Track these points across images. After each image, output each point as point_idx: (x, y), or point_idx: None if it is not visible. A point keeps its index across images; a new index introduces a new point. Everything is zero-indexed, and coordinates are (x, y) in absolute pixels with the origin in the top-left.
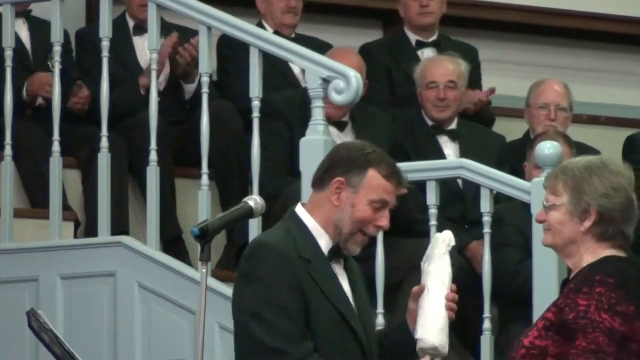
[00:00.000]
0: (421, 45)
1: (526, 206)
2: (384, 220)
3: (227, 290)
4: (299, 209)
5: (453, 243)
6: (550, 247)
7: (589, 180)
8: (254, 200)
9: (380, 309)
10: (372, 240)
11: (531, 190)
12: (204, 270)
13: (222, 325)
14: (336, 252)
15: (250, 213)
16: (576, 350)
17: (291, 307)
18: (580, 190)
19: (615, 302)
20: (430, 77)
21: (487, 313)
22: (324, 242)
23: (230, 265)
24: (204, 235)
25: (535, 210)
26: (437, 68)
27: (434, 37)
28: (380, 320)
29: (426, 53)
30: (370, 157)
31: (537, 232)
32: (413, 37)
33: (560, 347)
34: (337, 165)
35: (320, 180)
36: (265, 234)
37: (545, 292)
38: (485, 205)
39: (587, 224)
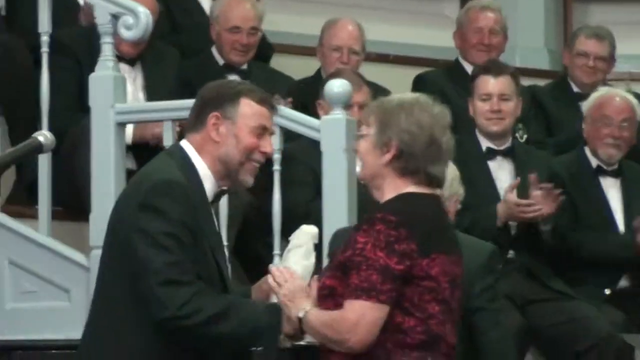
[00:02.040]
0: None
1: (316, 144)
2: (268, 146)
3: (17, 225)
4: (187, 146)
5: (316, 240)
6: (363, 181)
7: (397, 115)
8: (44, 135)
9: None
10: None
11: (321, 128)
12: None
13: (12, 261)
14: (219, 196)
15: (39, 148)
16: (349, 287)
17: (187, 242)
18: (385, 123)
19: (394, 240)
20: (233, 21)
21: (277, 250)
22: (209, 184)
23: (20, 200)
24: None
25: (325, 148)
26: (239, 11)
27: None
28: None
29: None
30: (239, 88)
31: (328, 171)
32: None
33: (345, 286)
34: (208, 103)
35: (195, 120)
36: (163, 171)
37: (335, 229)
38: (276, 142)
39: (387, 157)
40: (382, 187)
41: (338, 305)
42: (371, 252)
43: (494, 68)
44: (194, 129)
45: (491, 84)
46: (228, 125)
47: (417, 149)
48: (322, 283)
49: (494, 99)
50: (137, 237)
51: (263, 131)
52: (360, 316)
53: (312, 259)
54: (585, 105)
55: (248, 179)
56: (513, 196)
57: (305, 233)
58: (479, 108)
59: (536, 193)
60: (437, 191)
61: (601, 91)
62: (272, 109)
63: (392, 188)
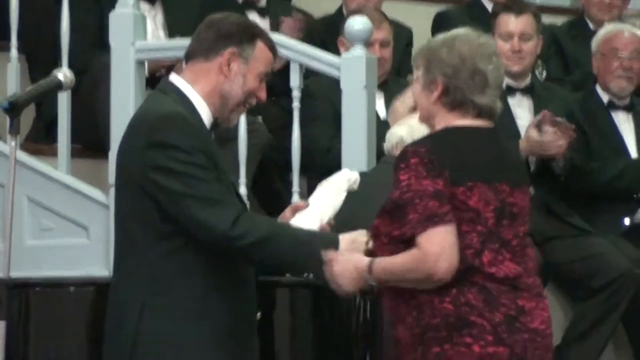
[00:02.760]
0: None
1: (336, 82)
2: (264, 93)
3: (36, 163)
4: (177, 80)
5: (355, 187)
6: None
7: (439, 51)
8: (63, 73)
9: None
10: None
11: (341, 65)
12: (13, 144)
13: (31, 198)
14: (215, 124)
15: (59, 86)
16: (411, 224)
17: (207, 166)
18: (430, 61)
19: (432, 166)
20: None
21: (296, 187)
22: (205, 115)
23: (39, 138)
24: (14, 108)
25: (345, 85)
26: None
27: None
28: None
29: None
30: (257, 30)
31: (347, 109)
32: None
33: (386, 226)
34: (227, 36)
35: (208, 50)
36: (161, 107)
37: (354, 167)
38: (295, 79)
39: (435, 94)
40: (435, 127)
41: (382, 245)
42: (418, 185)
43: (516, 6)
44: (204, 56)
45: (512, 22)
46: (240, 64)
47: (461, 81)
48: (373, 225)
49: (514, 39)
50: (156, 176)
51: (265, 77)
52: (440, 244)
53: (341, 197)
54: (594, 42)
55: (234, 120)
56: (535, 133)
57: (343, 174)
58: (500, 47)
59: (548, 129)
60: (489, 123)
61: (608, 27)
62: (276, 56)
63: (442, 124)
